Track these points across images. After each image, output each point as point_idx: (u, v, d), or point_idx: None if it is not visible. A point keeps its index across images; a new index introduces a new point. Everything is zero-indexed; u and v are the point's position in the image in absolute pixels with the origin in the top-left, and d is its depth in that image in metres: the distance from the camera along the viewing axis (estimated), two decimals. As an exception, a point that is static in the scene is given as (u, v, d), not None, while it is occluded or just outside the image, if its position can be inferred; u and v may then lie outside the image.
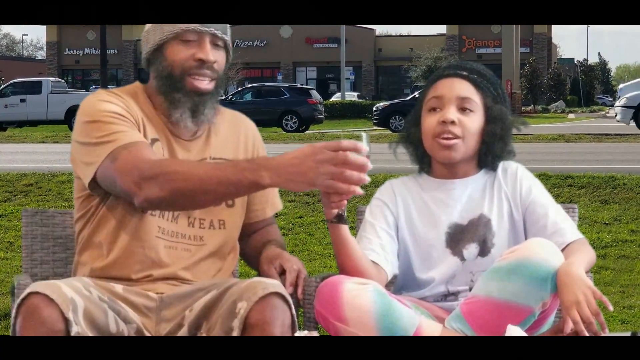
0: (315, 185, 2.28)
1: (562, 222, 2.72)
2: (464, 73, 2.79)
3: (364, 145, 2.33)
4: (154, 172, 2.41)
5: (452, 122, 2.71)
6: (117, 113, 2.57)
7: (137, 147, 2.50)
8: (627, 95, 26.80)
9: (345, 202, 2.42)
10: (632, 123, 26.03)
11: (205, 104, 2.67)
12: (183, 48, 2.64)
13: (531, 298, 2.45)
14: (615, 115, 27.21)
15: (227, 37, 2.71)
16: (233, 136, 2.80)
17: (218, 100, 2.73)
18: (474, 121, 2.73)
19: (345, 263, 2.61)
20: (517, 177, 2.80)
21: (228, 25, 2.73)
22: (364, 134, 2.39)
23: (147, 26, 2.70)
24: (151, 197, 2.40)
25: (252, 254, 2.85)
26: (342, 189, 2.28)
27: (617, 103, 27.46)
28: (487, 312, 2.48)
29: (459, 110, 2.73)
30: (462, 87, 2.75)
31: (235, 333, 2.41)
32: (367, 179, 2.30)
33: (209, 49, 2.64)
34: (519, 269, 2.46)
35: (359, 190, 2.30)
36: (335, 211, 2.45)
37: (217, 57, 2.68)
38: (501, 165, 2.82)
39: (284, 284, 2.58)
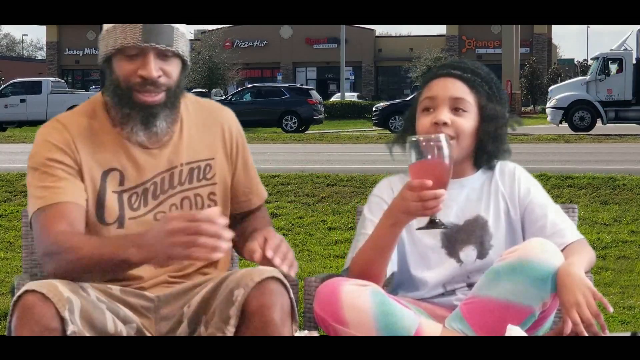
0: (174, 257, 2.30)
1: (562, 222, 2.72)
2: (458, 72, 2.76)
3: (443, 146, 2.37)
4: (52, 249, 2.46)
5: (445, 124, 2.69)
6: (56, 161, 2.56)
7: (53, 214, 2.50)
8: (557, 97, 28.10)
9: (441, 206, 2.42)
10: (565, 124, 26.79)
11: (157, 116, 2.59)
12: (127, 63, 2.56)
13: (532, 298, 2.44)
14: (547, 116, 28.00)
15: (175, 48, 2.57)
16: (210, 133, 2.73)
17: (174, 109, 2.64)
18: (468, 121, 2.72)
19: (378, 268, 2.61)
20: (515, 177, 2.79)
21: (185, 30, 2.62)
22: (442, 136, 2.40)
23: (103, 30, 2.63)
24: (50, 272, 2.47)
25: (240, 240, 2.80)
26: (199, 258, 2.29)
27: (547, 104, 28.18)
28: (488, 312, 2.48)
29: (452, 110, 2.71)
30: (456, 87, 2.73)
31: (233, 321, 2.40)
32: (224, 246, 2.28)
33: (151, 65, 2.54)
34: (520, 269, 2.45)
35: (216, 256, 2.28)
36: (429, 217, 2.46)
37: (167, 69, 2.58)
38: (498, 165, 2.81)
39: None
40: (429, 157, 2.39)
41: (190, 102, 2.75)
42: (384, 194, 2.80)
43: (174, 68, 2.60)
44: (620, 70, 28.88)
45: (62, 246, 2.44)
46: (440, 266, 2.74)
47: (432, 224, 2.45)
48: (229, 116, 2.81)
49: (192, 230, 2.27)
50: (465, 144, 2.72)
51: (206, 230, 2.27)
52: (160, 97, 2.58)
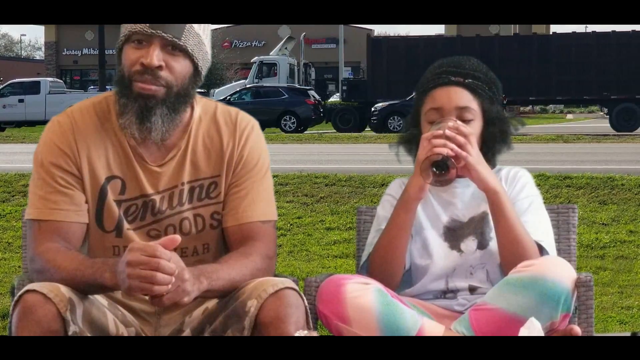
0: (132, 289, 2.29)
1: (534, 223, 2.71)
2: (459, 79, 2.76)
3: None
4: (38, 267, 2.49)
5: None
6: (57, 166, 2.53)
7: (47, 229, 2.50)
8: (219, 99, 31.39)
9: (447, 150, 2.55)
10: None
11: (152, 111, 2.50)
12: (134, 51, 2.51)
13: (540, 315, 2.43)
14: None
15: (183, 43, 2.51)
16: (216, 149, 2.61)
17: (175, 113, 2.54)
18: (474, 128, 2.73)
19: (398, 253, 2.68)
20: (517, 177, 2.82)
21: (203, 35, 2.56)
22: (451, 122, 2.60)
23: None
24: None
25: None
26: (154, 291, 2.27)
27: None
28: (494, 322, 2.49)
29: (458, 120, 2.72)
30: (460, 97, 2.74)
31: (246, 332, 2.37)
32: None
33: (154, 53, 2.48)
34: (533, 285, 2.47)
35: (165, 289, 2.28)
36: (440, 157, 2.54)
37: (172, 64, 2.51)
38: (506, 169, 2.84)
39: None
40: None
41: (204, 114, 2.64)
42: (396, 192, 2.83)
43: (180, 66, 2.52)
44: (275, 73, 31.96)
45: (47, 265, 2.46)
46: (441, 256, 2.76)
47: (438, 165, 2.55)
48: (243, 129, 2.64)
49: (152, 266, 2.26)
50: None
51: (164, 268, 2.26)
52: (158, 89, 2.50)
